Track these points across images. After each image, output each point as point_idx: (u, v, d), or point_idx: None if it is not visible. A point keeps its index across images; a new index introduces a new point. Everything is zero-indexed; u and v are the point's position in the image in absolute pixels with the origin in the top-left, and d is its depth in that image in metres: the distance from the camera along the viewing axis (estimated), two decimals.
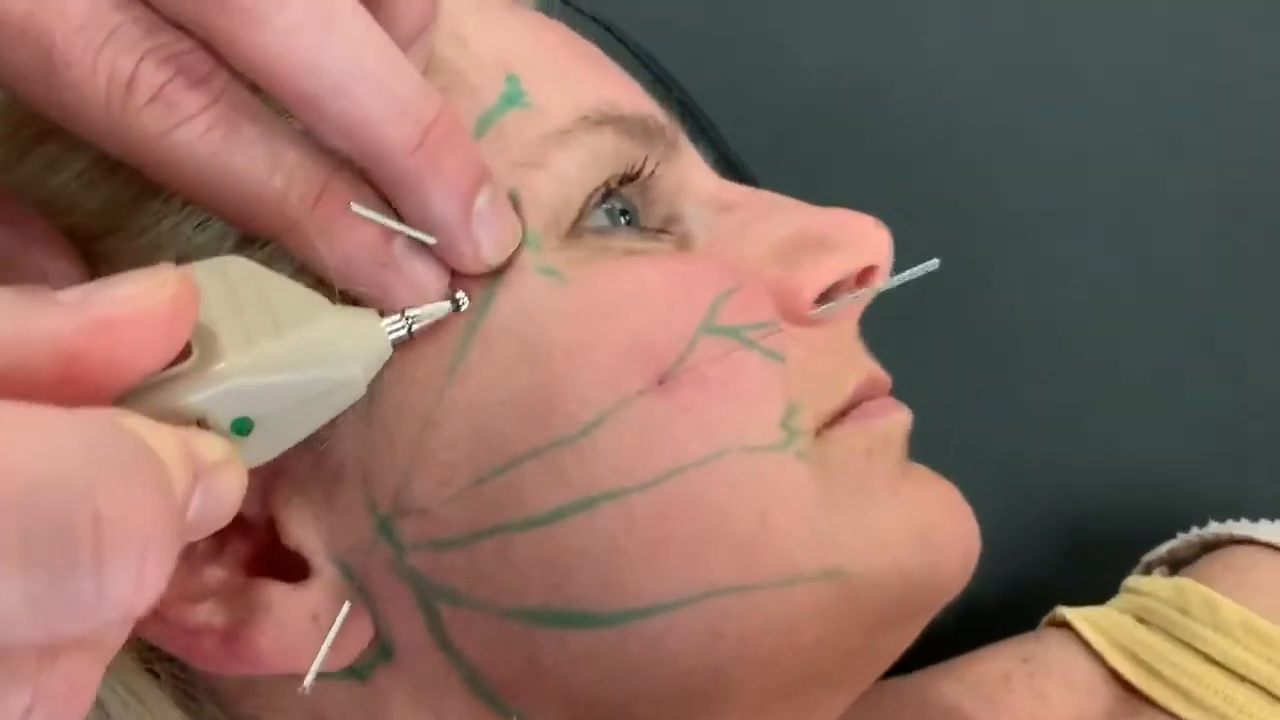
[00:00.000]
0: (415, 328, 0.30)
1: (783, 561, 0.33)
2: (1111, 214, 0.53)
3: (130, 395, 0.24)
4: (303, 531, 0.33)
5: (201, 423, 0.25)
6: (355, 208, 0.29)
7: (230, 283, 0.27)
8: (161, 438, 0.22)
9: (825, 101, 0.54)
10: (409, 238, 0.31)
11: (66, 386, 0.22)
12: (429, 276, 0.31)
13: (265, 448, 0.27)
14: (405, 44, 0.31)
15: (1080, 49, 0.54)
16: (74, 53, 0.27)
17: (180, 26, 0.28)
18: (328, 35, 0.28)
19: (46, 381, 0.21)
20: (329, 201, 0.30)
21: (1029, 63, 0.54)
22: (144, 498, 0.20)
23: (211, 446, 0.24)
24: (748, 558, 0.33)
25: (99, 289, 0.23)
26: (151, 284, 0.23)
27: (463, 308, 0.32)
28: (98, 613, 0.19)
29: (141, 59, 0.27)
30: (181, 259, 0.32)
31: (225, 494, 0.24)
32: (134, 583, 0.19)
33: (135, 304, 0.22)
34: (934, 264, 0.31)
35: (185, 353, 0.25)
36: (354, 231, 0.30)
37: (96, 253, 0.33)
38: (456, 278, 0.32)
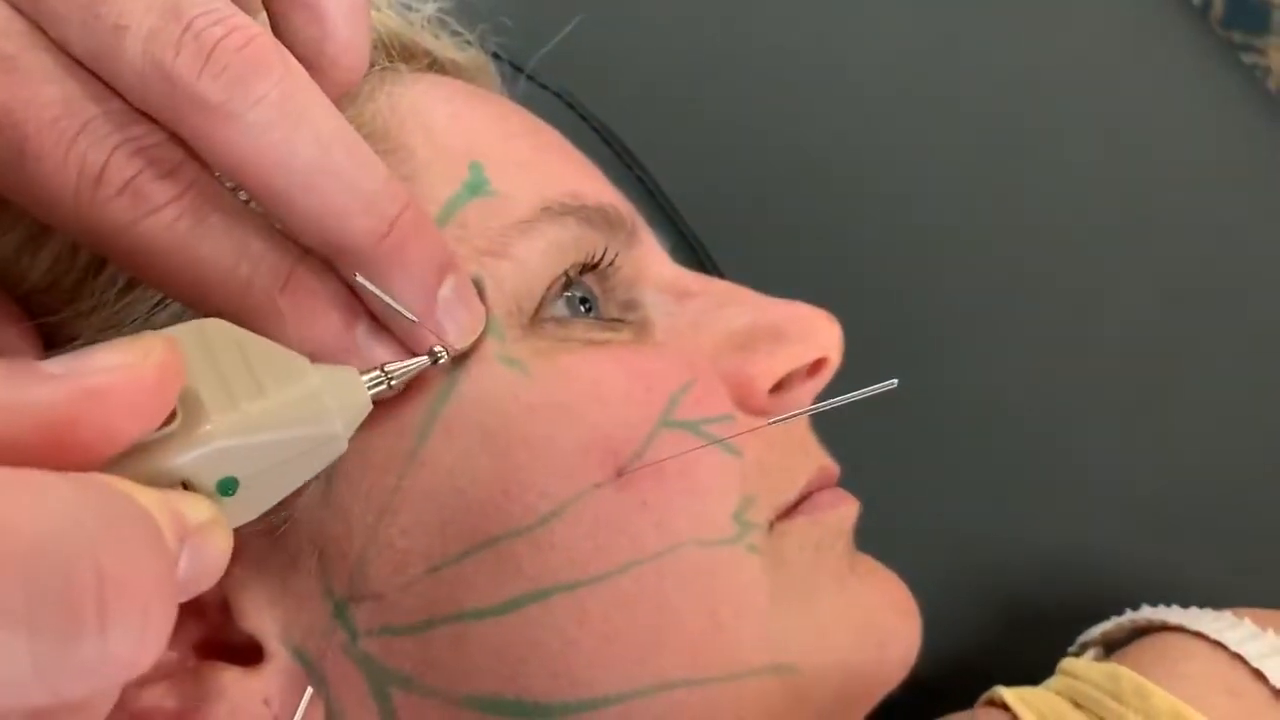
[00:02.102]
0: (395, 381, 0.30)
1: (733, 657, 0.34)
2: (1051, 301, 0.54)
3: (116, 460, 0.24)
4: (258, 615, 0.33)
5: (186, 484, 0.25)
6: (359, 279, 0.30)
7: (209, 344, 0.26)
8: (147, 500, 0.22)
9: (784, 180, 0.55)
10: (370, 326, 0.31)
11: (56, 454, 0.22)
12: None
13: (249, 507, 0.27)
14: (335, 98, 0.31)
15: (1043, 153, 0.56)
16: (46, 145, 0.27)
17: (154, 117, 0.28)
18: (297, 132, 0.28)
19: (37, 451, 0.21)
20: (293, 290, 0.30)
21: (995, 154, 0.56)
22: (143, 556, 0.20)
23: (197, 508, 0.24)
24: (699, 653, 0.33)
25: (85, 358, 0.22)
26: (137, 352, 0.23)
27: (441, 360, 0.31)
28: (102, 674, 0.19)
29: (113, 151, 0.27)
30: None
31: (212, 555, 0.24)
32: (137, 643, 0.19)
33: (122, 373, 0.22)
34: (892, 383, 0.32)
35: (170, 415, 0.25)
36: (317, 320, 0.30)
37: (56, 325, 0.33)
38: None
